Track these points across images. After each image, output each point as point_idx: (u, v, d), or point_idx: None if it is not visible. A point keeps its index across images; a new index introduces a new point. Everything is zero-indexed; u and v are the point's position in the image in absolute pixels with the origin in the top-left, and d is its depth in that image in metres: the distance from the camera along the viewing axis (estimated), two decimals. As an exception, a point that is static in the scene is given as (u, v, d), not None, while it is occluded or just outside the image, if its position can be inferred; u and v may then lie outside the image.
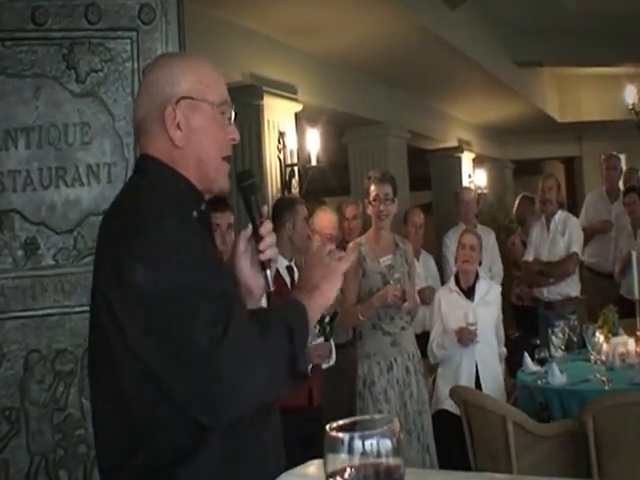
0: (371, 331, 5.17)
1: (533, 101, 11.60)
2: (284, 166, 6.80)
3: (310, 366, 4.79)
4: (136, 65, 3.60)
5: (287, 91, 7.15)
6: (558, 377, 4.95)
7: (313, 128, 7.41)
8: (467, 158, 12.13)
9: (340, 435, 1.15)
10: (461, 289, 5.75)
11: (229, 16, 6.36)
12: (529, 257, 7.49)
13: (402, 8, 6.84)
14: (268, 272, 2.08)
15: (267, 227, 2.09)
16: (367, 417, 1.22)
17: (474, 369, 5.53)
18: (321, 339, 4.79)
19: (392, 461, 1.15)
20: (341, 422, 1.20)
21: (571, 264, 7.23)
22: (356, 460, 1.14)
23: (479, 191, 11.03)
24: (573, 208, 9.83)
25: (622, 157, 9.53)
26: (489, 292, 5.78)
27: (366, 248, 5.27)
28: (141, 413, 1.84)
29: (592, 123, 13.04)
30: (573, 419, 4.57)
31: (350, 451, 1.14)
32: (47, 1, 3.48)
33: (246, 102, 6.67)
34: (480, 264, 5.91)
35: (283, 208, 5.29)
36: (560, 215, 7.35)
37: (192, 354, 1.73)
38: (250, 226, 2.09)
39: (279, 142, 6.86)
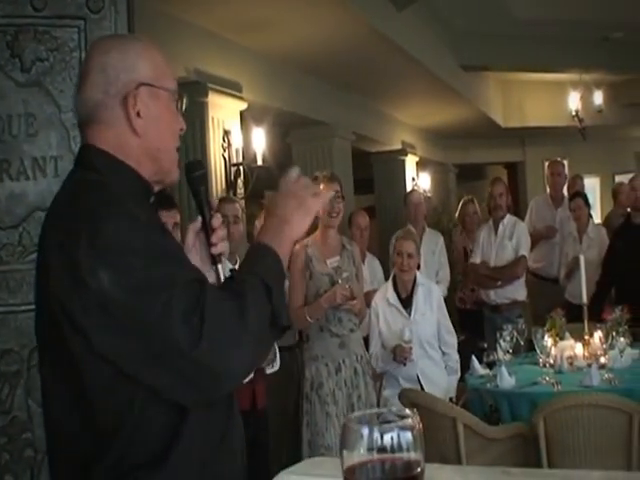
0: (319, 333, 5.11)
1: (477, 105, 11.66)
2: (229, 165, 6.71)
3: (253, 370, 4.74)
4: (83, 55, 3.49)
5: (232, 88, 7.06)
6: (507, 380, 4.94)
7: (258, 127, 7.31)
8: (411, 161, 12.14)
9: (359, 429, 1.10)
10: (399, 296, 5.71)
11: (175, 11, 6.26)
12: (476, 259, 7.49)
13: (349, 7, 6.80)
14: (220, 267, 2.01)
15: (218, 219, 2.03)
16: (384, 410, 1.17)
17: (417, 383, 5.52)
18: None
19: (412, 455, 1.10)
20: (358, 414, 1.15)
21: (520, 268, 7.29)
22: (375, 454, 1.08)
23: (426, 194, 11.05)
24: (515, 213, 9.87)
25: (565, 162, 9.60)
26: (429, 298, 5.72)
27: (313, 249, 5.21)
28: (111, 416, 1.77)
29: (535, 129, 13.18)
30: (523, 421, 4.56)
31: (369, 445, 1.09)
32: (-9, -14, 3.36)
33: (190, 99, 6.49)
34: (419, 268, 5.86)
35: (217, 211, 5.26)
36: (508, 219, 7.40)
37: (174, 352, 1.69)
38: (199, 219, 2.04)
39: (224, 140, 6.77)
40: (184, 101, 2.06)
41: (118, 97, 1.93)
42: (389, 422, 1.12)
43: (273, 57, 7.86)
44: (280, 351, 4.94)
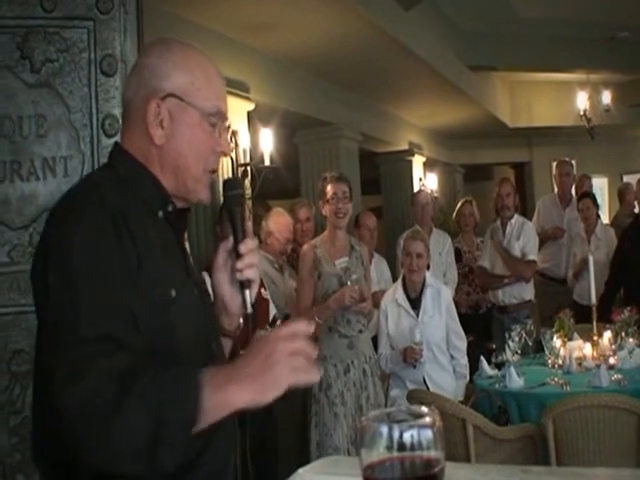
0: (327, 334, 5.11)
1: (485, 105, 11.63)
2: (237, 166, 6.70)
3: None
4: (92, 55, 3.51)
5: (239, 89, 7.06)
6: (516, 381, 4.93)
7: (266, 127, 7.31)
8: (418, 162, 12.13)
9: (378, 427, 1.09)
10: (408, 297, 5.68)
11: (182, 12, 6.27)
12: (484, 262, 7.49)
13: (356, 7, 6.80)
14: (247, 292, 1.93)
15: (248, 245, 1.92)
16: (403, 407, 1.16)
17: (424, 385, 5.48)
18: None
19: (432, 453, 1.09)
20: (377, 413, 1.14)
21: (530, 272, 7.28)
22: (395, 452, 1.08)
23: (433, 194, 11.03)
24: (523, 214, 9.86)
25: (573, 162, 9.58)
26: (437, 300, 5.67)
27: (321, 250, 5.20)
28: None
29: (543, 129, 13.15)
30: (531, 422, 4.57)
31: (389, 443, 1.08)
32: (1, -13, 3.36)
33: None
34: (428, 268, 5.83)
35: (219, 213, 5.31)
36: (516, 219, 7.39)
37: (49, 391, 1.58)
38: (231, 239, 1.96)
39: (231, 141, 6.74)
40: (227, 125, 1.99)
41: (144, 100, 1.89)
42: (408, 420, 1.11)
43: (280, 57, 7.86)
44: (288, 352, 4.94)
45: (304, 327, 1.69)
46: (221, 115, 1.94)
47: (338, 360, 5.07)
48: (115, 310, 1.67)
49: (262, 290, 5.12)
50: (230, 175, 6.65)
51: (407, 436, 1.09)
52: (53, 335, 1.65)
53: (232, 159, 6.66)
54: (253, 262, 1.92)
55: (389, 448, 1.09)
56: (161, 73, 1.90)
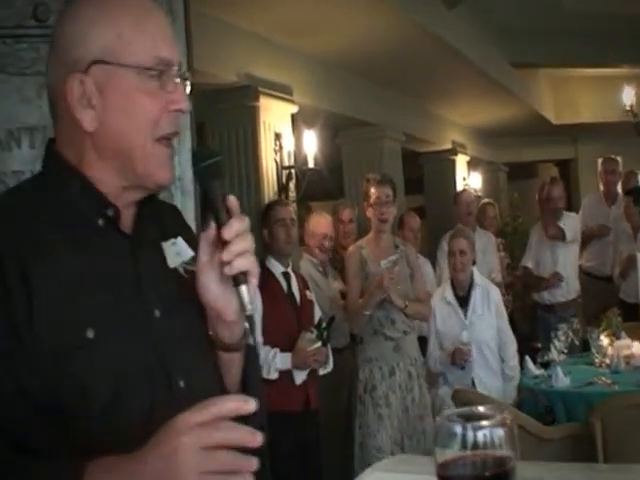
0: (373, 336, 5.15)
1: (529, 102, 11.55)
2: (281, 169, 6.73)
3: (307, 371, 4.80)
4: (142, 62, 3.54)
5: (283, 92, 7.06)
6: (562, 380, 4.94)
7: (309, 130, 7.34)
8: (461, 161, 12.07)
9: (452, 427, 1.13)
10: (457, 295, 5.66)
11: (225, 16, 6.30)
12: (527, 262, 7.48)
13: (399, 7, 6.78)
14: (243, 288, 1.50)
15: (235, 227, 1.48)
16: (476, 408, 1.19)
17: (471, 386, 5.45)
18: (318, 344, 4.79)
19: (505, 452, 1.12)
20: (450, 412, 1.18)
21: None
22: (468, 451, 1.12)
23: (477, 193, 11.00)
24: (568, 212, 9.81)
25: (619, 159, 9.49)
26: (487, 300, 5.65)
27: (367, 251, 5.26)
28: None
29: (588, 125, 12.99)
30: (578, 422, 4.54)
31: (463, 442, 1.12)
32: (49, -3, 3.42)
33: (241, 103, 6.62)
34: (474, 263, 5.79)
35: (262, 216, 5.38)
36: (565, 216, 7.37)
37: None
38: (213, 225, 1.51)
39: (275, 144, 6.78)
40: (175, 74, 1.55)
41: (67, 82, 1.49)
42: (481, 420, 1.14)
43: (323, 59, 7.88)
44: (332, 353, 4.99)
45: (235, 405, 1.25)
46: (165, 63, 1.52)
47: (383, 362, 5.10)
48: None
49: (307, 292, 5.18)
50: (275, 179, 6.69)
51: (480, 435, 1.12)
52: None
53: (276, 162, 6.69)
54: (244, 248, 1.48)
55: (463, 447, 1.12)
56: (76, 37, 1.50)
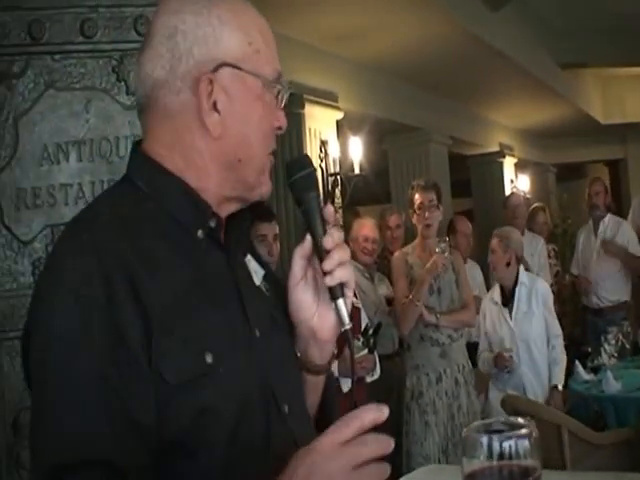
0: (419, 343, 5.13)
1: (576, 103, 11.47)
2: (327, 175, 6.76)
3: (355, 378, 4.80)
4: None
5: (328, 99, 7.13)
6: (613, 385, 4.88)
7: (355, 136, 7.36)
8: (509, 163, 12.03)
9: (479, 437, 1.16)
10: (504, 296, 5.61)
11: (270, 24, 6.34)
12: (574, 269, 7.44)
13: (443, 11, 6.81)
14: (341, 302, 1.43)
15: (335, 237, 1.43)
16: (502, 419, 1.22)
17: (522, 391, 5.39)
18: (365, 351, 4.78)
19: (530, 462, 1.14)
20: (477, 424, 1.20)
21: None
22: (494, 461, 1.14)
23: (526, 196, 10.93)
24: (618, 212, 9.69)
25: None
26: (533, 295, 5.55)
27: (413, 257, 5.25)
28: None
29: (637, 124, 12.84)
30: (629, 427, 4.51)
31: (489, 453, 1.14)
32: (96, 13, 3.46)
33: (287, 111, 6.64)
34: (508, 264, 5.67)
35: None
36: (609, 219, 7.29)
37: None
38: (308, 239, 1.46)
39: (321, 151, 6.82)
40: (285, 91, 1.52)
41: (188, 78, 1.39)
42: (506, 431, 1.16)
43: (368, 65, 7.91)
44: (380, 360, 4.99)
45: (374, 415, 1.25)
46: (282, 78, 1.50)
47: (430, 369, 5.08)
48: (103, 421, 1.22)
49: (354, 298, 5.16)
50: (321, 185, 6.69)
51: (506, 446, 1.13)
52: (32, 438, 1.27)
53: (322, 169, 6.72)
54: (345, 258, 1.42)
55: (489, 457, 1.14)
56: (206, 35, 1.41)
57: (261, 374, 1.40)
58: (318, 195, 1.50)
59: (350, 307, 1.45)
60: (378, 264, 6.43)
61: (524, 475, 1.14)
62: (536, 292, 5.57)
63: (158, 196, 1.41)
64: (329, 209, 1.47)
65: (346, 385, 4.77)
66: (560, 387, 5.32)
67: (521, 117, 11.75)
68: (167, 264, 1.34)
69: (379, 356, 5.00)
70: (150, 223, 1.38)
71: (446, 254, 5.06)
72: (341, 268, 1.42)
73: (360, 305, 5.23)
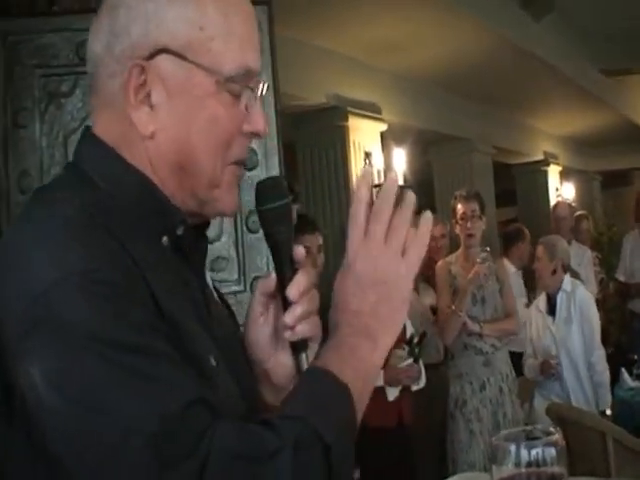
0: (463, 351, 5.18)
1: (621, 110, 11.41)
2: (371, 187, 6.79)
3: (400, 387, 4.85)
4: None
5: (371, 111, 7.19)
6: (659, 392, 4.88)
7: (398, 147, 7.42)
8: (553, 171, 11.99)
9: (507, 446, 1.20)
10: (549, 303, 5.60)
11: (311, 38, 6.44)
12: (620, 276, 7.42)
13: (485, 22, 6.84)
14: (303, 357, 1.25)
15: (302, 285, 1.23)
16: (529, 427, 1.27)
17: (568, 398, 5.36)
18: (410, 360, 4.82)
19: (556, 469, 1.19)
20: (506, 433, 1.24)
21: None
22: (522, 468, 1.18)
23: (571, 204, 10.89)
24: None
25: None
26: (573, 303, 5.51)
27: (456, 266, 5.30)
28: None
29: (684, 130, 12.72)
30: (677, 435, 4.51)
31: (516, 460, 1.18)
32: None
33: (331, 124, 6.75)
34: (554, 272, 5.64)
35: None
36: None
37: None
38: (273, 275, 1.28)
39: (365, 163, 6.87)
40: (260, 88, 1.24)
41: (122, 61, 1.17)
42: (535, 439, 1.20)
43: (410, 76, 7.96)
44: (426, 369, 5.04)
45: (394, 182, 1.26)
46: (250, 74, 1.21)
47: (474, 377, 5.12)
48: (178, 367, 1.07)
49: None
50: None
51: (533, 453, 1.18)
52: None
53: (367, 181, 6.75)
54: (310, 310, 1.23)
55: (517, 464, 1.18)
56: (148, 12, 1.16)
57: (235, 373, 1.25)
58: (290, 230, 1.28)
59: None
60: (423, 274, 6.47)
61: (551, 482, 1.21)
62: (574, 299, 5.55)
63: (118, 194, 1.19)
64: (299, 250, 1.27)
65: (392, 394, 4.84)
66: (608, 411, 5.25)
67: (565, 125, 11.71)
68: (152, 266, 1.15)
69: (424, 365, 5.05)
70: (120, 225, 1.15)
71: (488, 263, 5.11)
72: (305, 322, 1.23)
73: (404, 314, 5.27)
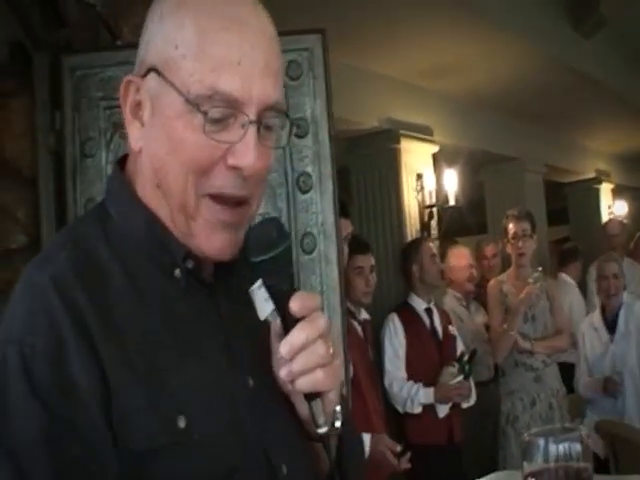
0: (514, 368, 5.26)
1: (674, 125, 11.32)
2: (423, 207, 6.89)
3: (450, 404, 4.93)
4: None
5: (423, 133, 7.25)
6: None
7: (450, 168, 7.49)
8: (605, 189, 11.93)
9: (536, 441, 1.30)
10: (605, 320, 5.61)
11: (362, 62, 6.52)
12: None
13: (534, 42, 6.88)
14: (316, 405, 1.18)
15: (295, 341, 1.15)
16: (558, 426, 1.39)
17: (622, 416, 5.33)
18: (460, 378, 4.90)
19: (582, 464, 1.29)
20: (536, 430, 1.34)
21: None
22: (551, 462, 1.28)
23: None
24: None
25: None
26: (631, 318, 5.51)
27: (507, 285, 5.38)
28: None
29: None
30: None
31: (544, 455, 1.29)
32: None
33: (383, 147, 6.85)
34: (625, 288, 5.72)
35: (408, 252, 5.51)
36: None
37: None
38: (278, 321, 1.19)
39: (417, 184, 6.93)
40: (252, 119, 1.15)
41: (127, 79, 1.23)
42: (562, 435, 1.31)
43: (461, 98, 8.00)
44: (476, 386, 5.12)
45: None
46: (226, 100, 1.13)
47: (524, 393, 5.20)
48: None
49: (449, 327, 5.33)
50: (417, 218, 6.83)
51: (561, 449, 1.28)
52: None
53: (418, 201, 6.86)
54: (309, 365, 1.15)
55: (545, 459, 1.29)
56: (147, 34, 1.21)
57: (253, 432, 1.19)
58: (286, 281, 1.20)
59: (333, 407, 1.21)
60: (475, 293, 6.56)
61: (577, 476, 1.30)
62: (632, 313, 5.55)
63: (129, 229, 1.21)
64: (294, 304, 1.15)
65: (442, 411, 4.92)
66: None
67: (617, 142, 11.64)
68: (132, 309, 1.13)
69: (474, 382, 5.13)
70: (118, 260, 1.16)
71: (539, 283, 5.19)
72: (304, 377, 1.16)
73: (456, 333, 5.37)
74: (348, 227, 4.18)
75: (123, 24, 3.76)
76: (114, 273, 1.15)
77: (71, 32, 3.67)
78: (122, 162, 1.29)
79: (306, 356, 1.14)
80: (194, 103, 1.12)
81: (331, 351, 1.17)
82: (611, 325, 5.58)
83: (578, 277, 7.78)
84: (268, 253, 1.18)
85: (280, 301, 1.16)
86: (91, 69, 3.58)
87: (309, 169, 3.56)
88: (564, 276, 7.74)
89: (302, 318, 1.16)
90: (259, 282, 1.18)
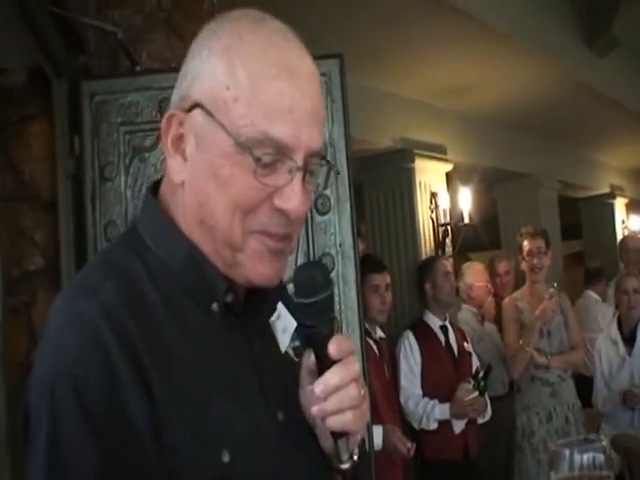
0: (530, 383, 5.29)
1: (689, 142, 11.32)
2: (437, 226, 6.93)
3: (466, 420, 4.96)
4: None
5: (437, 152, 7.29)
6: None
7: (464, 186, 7.52)
8: (620, 204, 11.93)
9: (562, 451, 1.36)
10: (622, 334, 5.61)
11: (375, 83, 6.57)
12: None
13: (549, 60, 6.91)
14: (342, 443, 1.23)
15: (330, 382, 1.20)
16: (581, 437, 1.46)
17: (636, 429, 5.35)
18: (475, 394, 4.93)
19: (604, 473, 1.35)
20: (562, 441, 1.40)
21: None
22: (576, 471, 1.35)
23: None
24: None
25: None
26: None
27: (522, 303, 5.42)
28: None
29: None
30: None
31: (570, 465, 1.35)
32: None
33: (398, 166, 6.89)
34: None
35: (423, 270, 5.55)
36: None
37: None
38: (312, 357, 1.25)
39: (431, 202, 6.97)
40: (300, 166, 1.19)
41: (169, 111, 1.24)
42: (586, 446, 1.37)
43: (475, 116, 8.04)
44: (491, 401, 5.15)
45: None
46: (277, 146, 1.16)
47: (540, 408, 5.23)
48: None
49: (465, 344, 5.36)
50: (431, 236, 6.86)
51: (585, 458, 1.34)
52: None
53: (432, 220, 6.90)
54: (341, 406, 1.19)
55: (571, 468, 1.34)
56: (192, 69, 1.21)
57: (282, 465, 1.23)
58: (327, 325, 1.22)
59: (356, 445, 1.27)
60: (489, 312, 6.58)
61: (601, 484, 1.38)
62: None
63: (168, 260, 1.22)
64: (333, 348, 1.20)
65: (458, 427, 4.95)
66: None
67: (632, 158, 11.63)
68: (174, 341, 1.15)
69: (490, 398, 5.15)
70: (158, 292, 1.18)
71: (554, 299, 5.22)
72: (336, 416, 1.20)
73: (471, 350, 5.41)
74: (359, 246, 4.20)
75: (142, 50, 3.84)
76: (157, 305, 1.16)
77: (90, 58, 3.74)
78: (154, 189, 1.31)
79: (339, 397, 1.19)
80: (245, 146, 1.14)
81: (362, 393, 1.22)
82: (629, 339, 5.60)
83: (603, 294, 7.94)
84: (313, 297, 1.20)
85: (318, 341, 1.20)
86: (110, 94, 3.64)
87: (327, 191, 3.60)
88: (591, 293, 7.94)
89: (338, 360, 1.20)
90: (276, 314, 1.25)
